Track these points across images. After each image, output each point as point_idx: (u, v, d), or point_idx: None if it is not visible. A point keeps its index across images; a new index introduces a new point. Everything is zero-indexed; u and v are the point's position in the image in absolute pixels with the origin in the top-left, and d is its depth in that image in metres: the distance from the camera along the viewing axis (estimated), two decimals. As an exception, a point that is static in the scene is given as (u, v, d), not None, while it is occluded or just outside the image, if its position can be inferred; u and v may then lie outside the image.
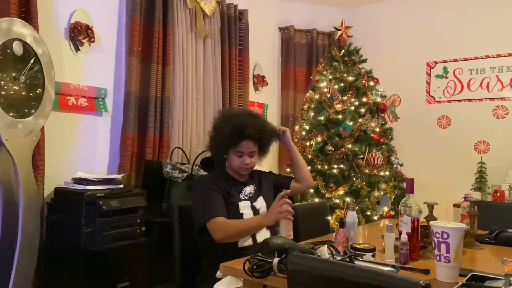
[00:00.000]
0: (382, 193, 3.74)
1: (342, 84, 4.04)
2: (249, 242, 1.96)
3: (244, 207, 2.00)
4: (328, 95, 4.04)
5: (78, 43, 2.92)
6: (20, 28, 2.23)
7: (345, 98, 3.99)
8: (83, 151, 2.99)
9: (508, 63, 4.17)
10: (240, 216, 1.97)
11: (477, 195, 3.85)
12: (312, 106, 4.14)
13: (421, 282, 0.94)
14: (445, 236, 1.45)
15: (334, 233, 1.89)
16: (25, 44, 2.24)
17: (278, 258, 1.46)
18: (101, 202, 2.47)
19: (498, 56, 4.21)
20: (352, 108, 3.95)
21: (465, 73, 4.39)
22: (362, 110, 3.95)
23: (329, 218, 2.96)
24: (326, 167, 3.89)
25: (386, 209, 3.74)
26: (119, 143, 3.14)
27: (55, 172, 2.74)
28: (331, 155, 3.88)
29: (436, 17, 4.53)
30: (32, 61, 2.28)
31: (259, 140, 2.04)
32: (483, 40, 4.27)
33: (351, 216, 2.01)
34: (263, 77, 4.63)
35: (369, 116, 3.95)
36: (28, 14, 2.50)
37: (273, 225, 2.16)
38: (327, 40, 4.92)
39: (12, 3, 2.42)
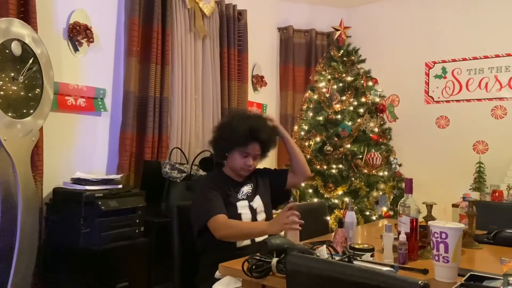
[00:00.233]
0: (381, 193, 3.74)
1: (341, 84, 4.04)
2: (247, 241, 1.96)
3: (242, 207, 2.01)
4: (327, 95, 4.04)
5: (76, 43, 2.92)
6: (18, 28, 2.23)
7: (344, 98, 3.99)
8: (82, 151, 2.99)
9: (507, 63, 4.17)
10: (238, 216, 1.97)
11: (475, 195, 3.85)
12: (311, 106, 4.14)
13: (419, 282, 0.94)
14: (443, 236, 1.46)
15: (333, 233, 1.89)
16: (23, 44, 2.24)
17: (277, 258, 1.46)
18: (100, 202, 2.47)
19: (497, 56, 4.22)
20: (351, 108, 3.95)
21: (464, 73, 4.40)
22: (361, 110, 3.95)
23: (328, 218, 2.95)
24: (325, 167, 3.89)
25: (384, 209, 3.74)
26: (118, 143, 3.14)
27: (54, 172, 2.74)
28: (330, 155, 3.89)
29: (435, 17, 4.54)
30: (30, 61, 2.29)
31: (265, 145, 2.06)
32: (482, 40, 4.28)
33: (350, 216, 2.01)
34: (262, 77, 4.63)
35: (368, 116, 3.95)
36: (26, 14, 2.50)
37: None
38: (326, 40, 4.92)
39: (10, 3, 2.42)
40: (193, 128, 3.69)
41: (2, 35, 2.13)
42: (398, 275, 1.02)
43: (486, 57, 4.28)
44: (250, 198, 2.06)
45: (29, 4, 2.51)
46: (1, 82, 2.15)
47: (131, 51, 3.16)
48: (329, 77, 4.10)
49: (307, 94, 4.26)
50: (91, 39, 2.96)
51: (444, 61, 4.51)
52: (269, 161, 4.40)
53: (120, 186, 2.72)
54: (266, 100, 4.76)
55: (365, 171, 3.79)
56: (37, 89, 2.33)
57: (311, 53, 4.88)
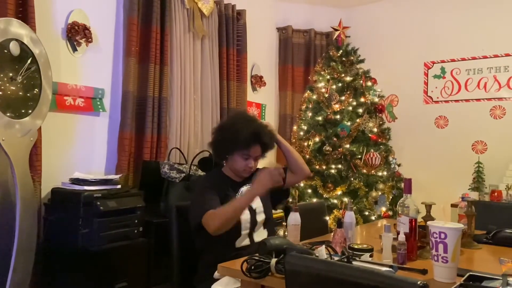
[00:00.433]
0: (380, 193, 3.75)
1: (340, 84, 4.05)
2: (246, 241, 1.96)
3: (241, 207, 2.00)
4: (326, 95, 4.04)
5: (75, 43, 2.91)
6: (17, 28, 2.22)
7: (343, 98, 3.99)
8: (81, 152, 2.98)
9: (506, 63, 4.18)
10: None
11: (474, 195, 3.85)
12: (310, 106, 4.15)
13: (418, 282, 0.93)
14: (442, 236, 1.46)
15: (332, 233, 1.89)
16: (22, 44, 2.24)
17: (276, 259, 1.45)
18: (98, 203, 2.46)
19: (496, 56, 4.22)
20: (350, 108, 3.95)
21: (463, 73, 4.40)
22: (360, 110, 3.96)
23: (327, 218, 2.96)
24: (324, 167, 3.89)
25: (384, 209, 3.74)
26: (117, 143, 3.13)
27: (52, 173, 2.73)
28: (329, 155, 3.89)
29: (434, 17, 4.54)
30: (29, 61, 2.28)
31: (266, 147, 2.08)
32: (481, 40, 4.28)
33: (349, 216, 2.01)
34: (261, 77, 4.63)
35: (367, 116, 3.96)
36: (25, 14, 2.50)
37: (272, 226, 2.16)
38: (325, 40, 4.92)
39: (9, 3, 2.42)
40: (192, 128, 3.69)
41: (0, 35, 2.13)
42: (397, 276, 1.02)
43: (485, 57, 4.28)
44: (249, 198, 2.05)
45: (27, 4, 2.50)
46: (0, 82, 2.14)
47: (129, 51, 3.15)
48: (328, 77, 4.11)
49: (306, 94, 4.27)
50: (90, 39, 2.96)
51: (443, 61, 4.51)
52: (268, 161, 4.39)
53: (119, 186, 2.71)
54: (265, 100, 4.76)
55: (364, 171, 3.79)
56: (36, 89, 2.32)
57: (310, 53, 4.88)
